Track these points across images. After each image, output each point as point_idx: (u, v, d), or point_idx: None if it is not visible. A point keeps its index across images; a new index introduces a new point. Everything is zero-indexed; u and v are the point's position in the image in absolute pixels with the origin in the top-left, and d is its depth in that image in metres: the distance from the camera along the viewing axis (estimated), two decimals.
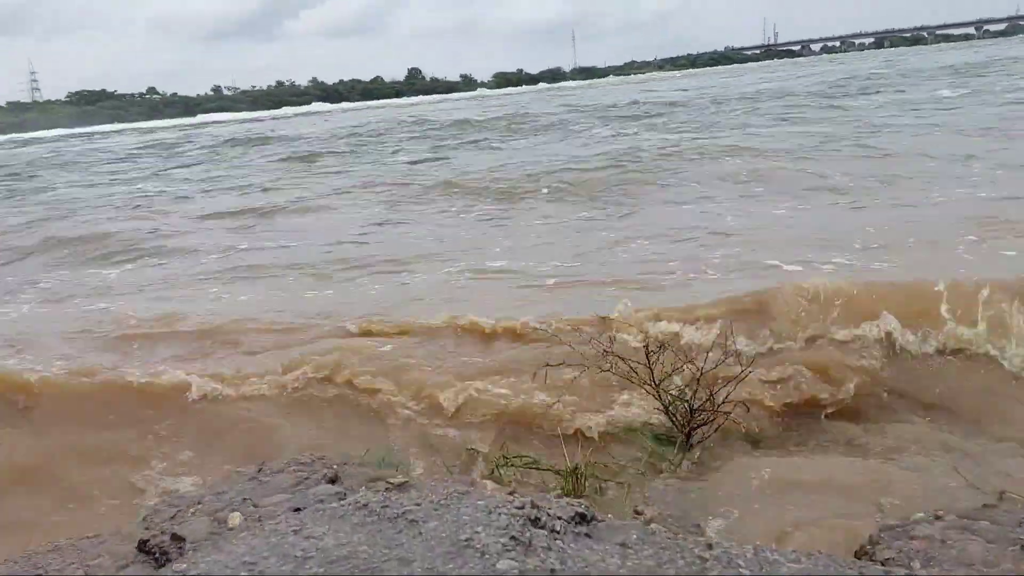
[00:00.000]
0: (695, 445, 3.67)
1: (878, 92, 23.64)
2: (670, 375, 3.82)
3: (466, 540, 2.20)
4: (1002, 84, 21.79)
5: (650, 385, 3.76)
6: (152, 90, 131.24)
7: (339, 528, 2.37)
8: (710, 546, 2.20)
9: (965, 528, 2.42)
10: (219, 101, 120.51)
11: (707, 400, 3.71)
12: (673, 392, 3.84)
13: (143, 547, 2.54)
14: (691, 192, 9.94)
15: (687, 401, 3.75)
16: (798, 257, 5.93)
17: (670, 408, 3.81)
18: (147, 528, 2.69)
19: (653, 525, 2.54)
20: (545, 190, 10.91)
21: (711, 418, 3.69)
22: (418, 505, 2.49)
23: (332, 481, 2.92)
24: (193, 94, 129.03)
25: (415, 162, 17.14)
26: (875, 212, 7.58)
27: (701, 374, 3.72)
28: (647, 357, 3.75)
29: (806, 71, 49.40)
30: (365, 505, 2.53)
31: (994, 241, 5.80)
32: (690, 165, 11.94)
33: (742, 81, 44.16)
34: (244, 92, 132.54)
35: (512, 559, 2.09)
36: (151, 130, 54.61)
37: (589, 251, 7.17)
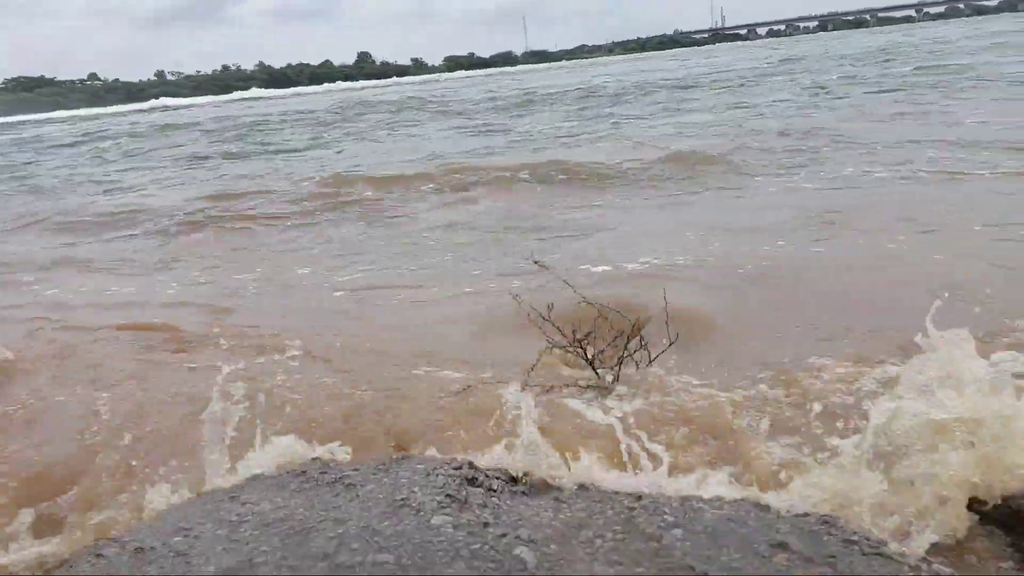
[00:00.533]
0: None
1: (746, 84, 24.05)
2: (602, 351, 3.88)
3: (402, 500, 2.24)
4: (875, 72, 22.50)
5: (586, 360, 3.82)
6: (94, 76, 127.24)
7: (276, 495, 2.39)
8: (639, 497, 2.27)
9: None
10: (163, 86, 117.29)
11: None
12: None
13: None
14: None
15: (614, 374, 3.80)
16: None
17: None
18: None
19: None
20: None
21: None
22: (356, 470, 2.51)
23: None
24: (136, 79, 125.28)
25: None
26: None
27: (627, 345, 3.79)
28: (579, 344, 3.80)
29: (729, 57, 50.11)
30: (303, 472, 2.55)
31: None
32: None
33: (671, 66, 44.71)
34: (188, 77, 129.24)
35: (447, 515, 2.14)
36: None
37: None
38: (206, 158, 17.16)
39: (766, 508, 2.22)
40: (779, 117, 13.97)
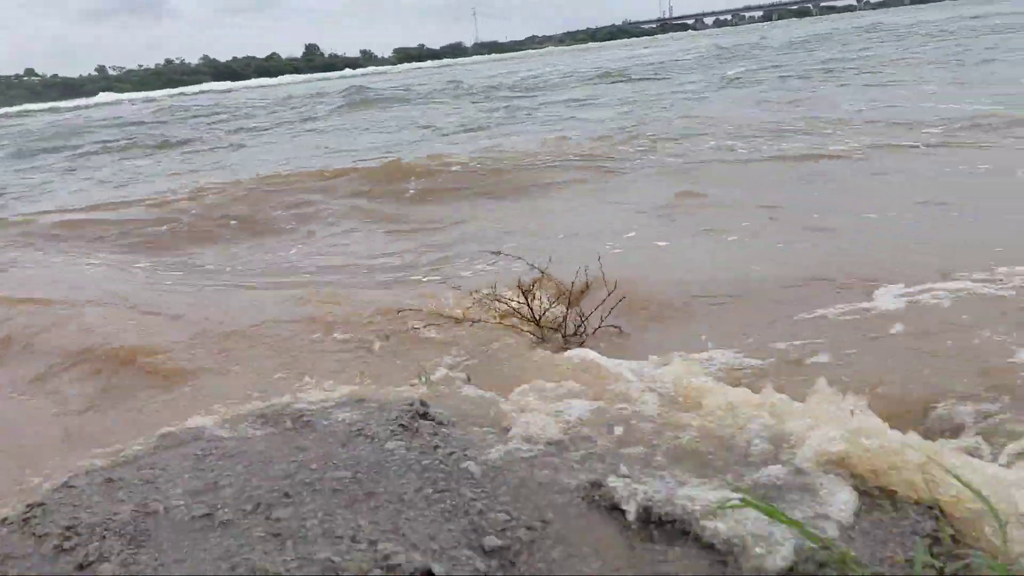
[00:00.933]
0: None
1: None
2: (549, 308, 4.10)
3: (357, 430, 2.40)
4: (794, 60, 23.24)
5: (532, 322, 4.03)
6: (31, 72, 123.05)
7: (239, 433, 2.53)
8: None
9: None
10: (104, 82, 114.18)
11: (579, 327, 3.99)
12: (550, 325, 4.10)
13: None
14: None
15: (561, 330, 4.02)
16: None
17: (547, 339, 4.07)
18: None
19: None
20: None
21: (582, 341, 3.96)
22: (312, 411, 2.66)
23: None
24: (76, 75, 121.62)
25: None
26: None
27: (570, 302, 4.01)
28: (524, 297, 4.02)
29: (675, 46, 50.83)
30: (263, 415, 2.69)
31: None
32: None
33: (616, 55, 45.23)
34: (131, 72, 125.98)
35: (399, 440, 2.31)
36: None
37: None
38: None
39: None
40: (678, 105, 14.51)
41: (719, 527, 1.62)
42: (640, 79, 23.15)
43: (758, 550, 1.49)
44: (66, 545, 1.80)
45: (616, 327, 3.85)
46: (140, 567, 1.67)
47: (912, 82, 13.96)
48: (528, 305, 3.91)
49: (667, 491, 1.86)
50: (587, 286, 4.17)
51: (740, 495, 1.46)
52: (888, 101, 11.58)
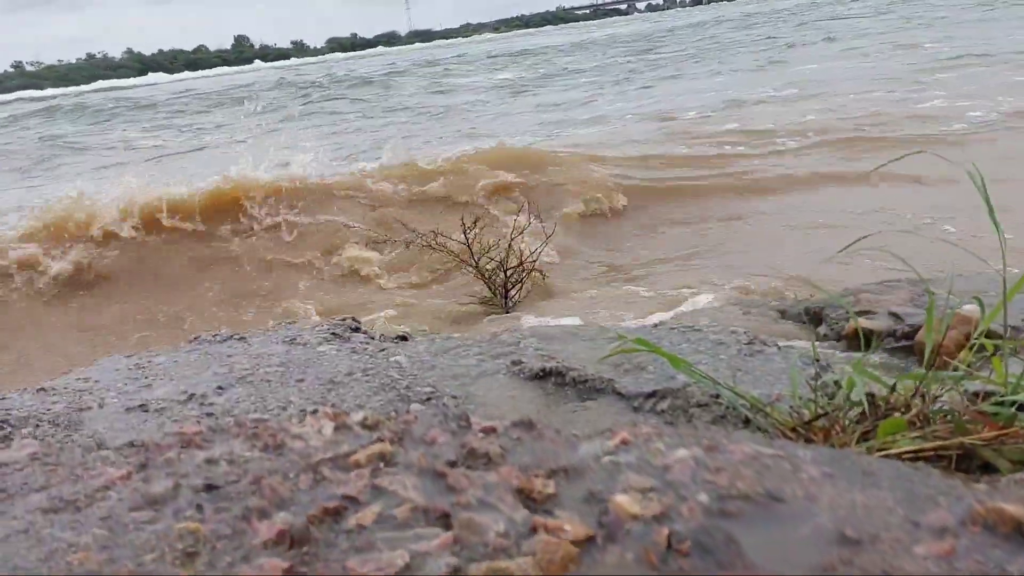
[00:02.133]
0: (513, 301, 4.09)
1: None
2: (488, 250, 4.24)
3: (291, 339, 2.48)
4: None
5: (472, 263, 4.16)
6: None
7: (171, 354, 2.57)
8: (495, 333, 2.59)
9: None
10: (21, 78, 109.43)
11: (518, 266, 4.14)
12: (491, 265, 4.24)
13: None
14: None
15: (503, 271, 4.16)
16: None
17: (489, 277, 4.21)
18: None
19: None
20: None
21: (521, 280, 4.12)
22: (248, 332, 2.72)
23: None
24: None
25: None
26: None
27: (510, 245, 4.15)
28: (465, 235, 4.14)
29: (599, 32, 51.14)
30: (196, 338, 2.73)
31: None
32: None
33: (537, 40, 45.51)
34: (50, 67, 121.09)
35: (332, 345, 2.39)
36: None
37: None
38: None
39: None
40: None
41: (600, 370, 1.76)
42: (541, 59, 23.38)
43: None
44: None
45: None
46: (71, 443, 1.73)
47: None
48: None
49: (578, 362, 2.00)
50: None
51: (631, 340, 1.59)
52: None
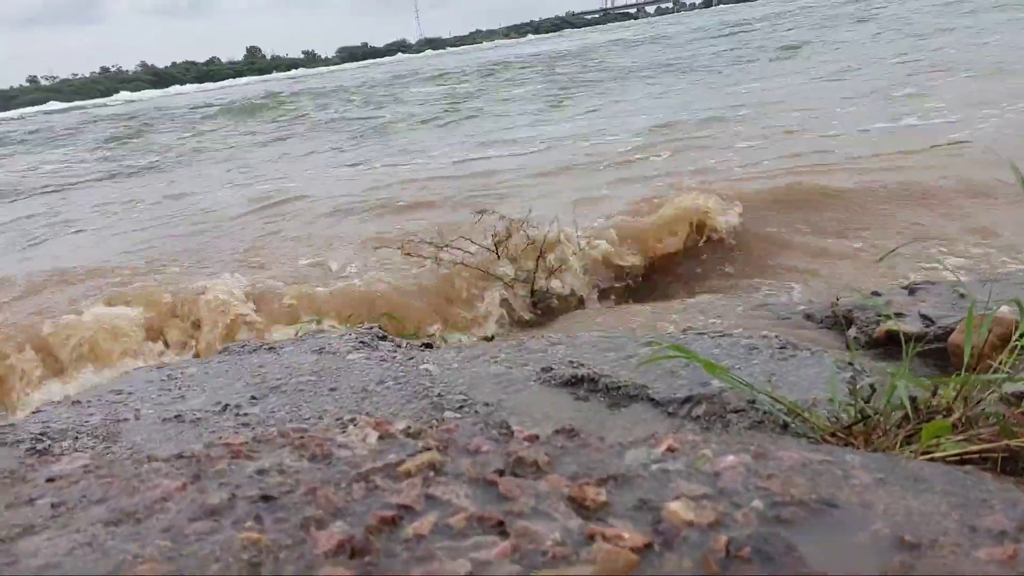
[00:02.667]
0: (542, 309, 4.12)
1: None
2: (517, 259, 4.26)
3: (321, 348, 2.50)
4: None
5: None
6: None
7: (202, 365, 2.60)
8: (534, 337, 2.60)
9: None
10: (36, 93, 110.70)
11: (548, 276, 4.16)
12: (521, 275, 4.25)
13: None
14: None
15: (531, 282, 4.18)
16: None
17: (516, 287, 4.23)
18: None
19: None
20: None
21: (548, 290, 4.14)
22: (276, 342, 2.75)
23: None
24: (7, 86, 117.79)
25: None
26: None
27: (541, 255, 4.17)
28: (495, 248, 4.17)
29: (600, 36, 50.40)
30: (225, 349, 2.76)
31: None
32: None
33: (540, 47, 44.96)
34: (65, 81, 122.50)
35: (360, 353, 2.41)
36: None
37: None
38: None
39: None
40: None
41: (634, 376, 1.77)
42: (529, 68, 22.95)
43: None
44: (39, 447, 1.86)
45: None
46: (115, 455, 1.75)
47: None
48: None
49: (609, 368, 2.01)
50: None
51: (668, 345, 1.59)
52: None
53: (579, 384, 1.93)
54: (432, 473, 1.01)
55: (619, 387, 1.85)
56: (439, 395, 1.95)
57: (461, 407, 1.88)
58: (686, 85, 14.15)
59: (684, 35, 29.25)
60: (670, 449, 1.04)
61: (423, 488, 0.95)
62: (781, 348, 1.93)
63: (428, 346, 2.74)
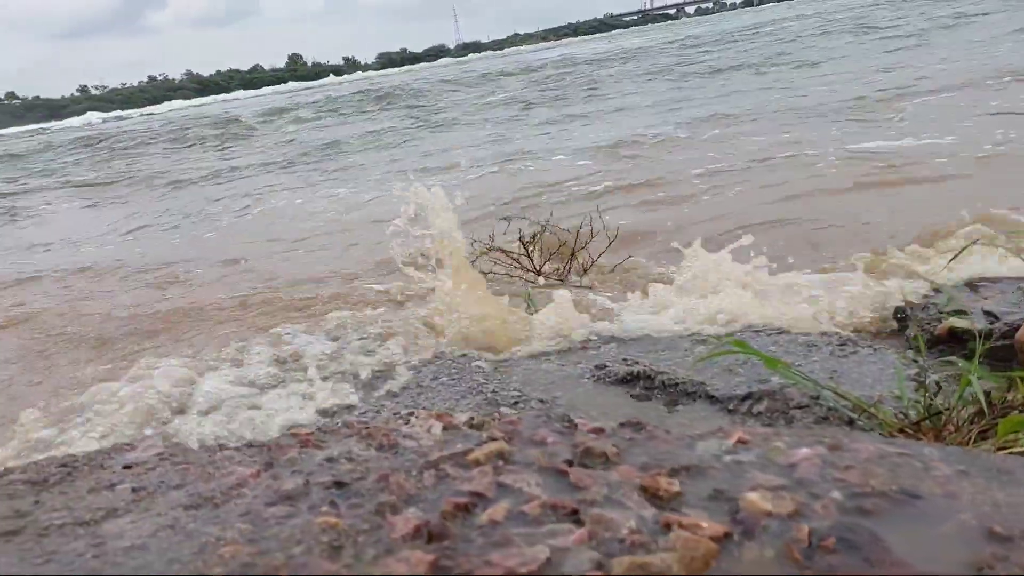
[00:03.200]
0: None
1: None
2: (548, 259, 4.25)
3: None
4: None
5: (532, 271, 4.17)
6: (11, 95, 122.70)
7: None
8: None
9: None
10: (88, 102, 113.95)
11: (581, 275, 4.13)
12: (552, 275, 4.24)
13: None
14: None
15: (561, 279, 4.15)
16: None
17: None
18: None
19: None
20: None
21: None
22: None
23: None
24: (58, 95, 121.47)
25: None
26: None
27: (573, 255, 4.15)
28: (524, 247, 4.16)
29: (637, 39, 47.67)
30: None
31: None
32: None
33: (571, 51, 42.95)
34: (114, 90, 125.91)
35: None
36: None
37: None
38: None
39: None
40: None
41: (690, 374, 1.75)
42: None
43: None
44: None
45: None
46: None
47: None
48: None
49: (665, 365, 1.99)
50: None
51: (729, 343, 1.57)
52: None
53: (635, 381, 1.92)
54: (501, 462, 1.01)
55: (676, 384, 1.83)
56: (493, 391, 1.96)
57: (516, 403, 1.88)
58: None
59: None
60: (741, 441, 1.02)
61: (494, 476, 0.96)
62: (841, 345, 1.90)
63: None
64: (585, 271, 4.02)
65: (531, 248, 4.19)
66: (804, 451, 0.96)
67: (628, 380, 1.94)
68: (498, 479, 0.95)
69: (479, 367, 2.19)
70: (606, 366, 2.05)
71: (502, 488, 0.93)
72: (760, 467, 0.94)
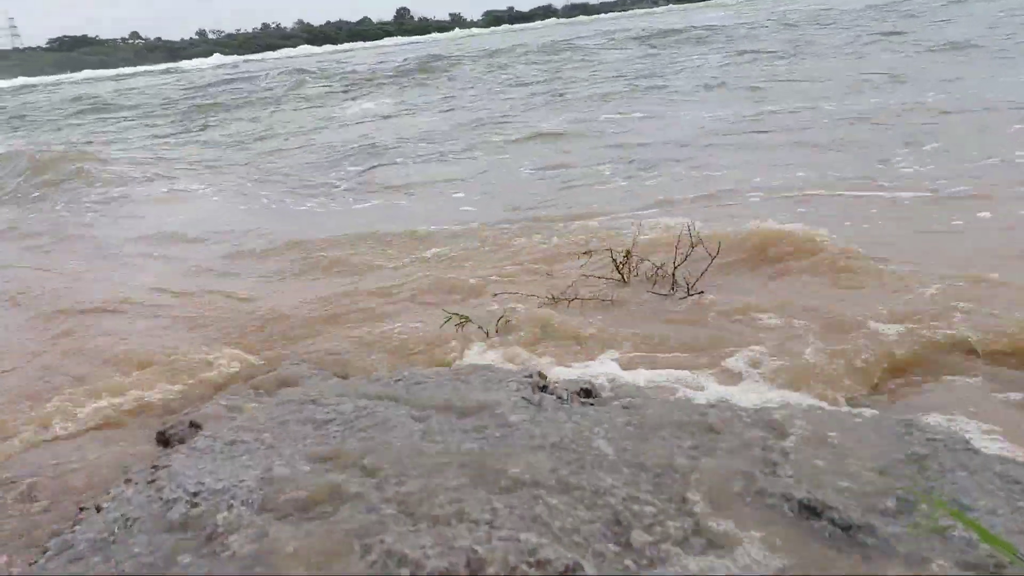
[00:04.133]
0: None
1: None
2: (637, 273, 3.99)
3: (481, 405, 2.27)
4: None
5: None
6: (135, 35, 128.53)
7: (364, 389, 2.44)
8: (711, 404, 2.27)
9: None
10: (205, 45, 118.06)
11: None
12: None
13: None
14: None
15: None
16: None
17: None
18: None
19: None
20: None
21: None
22: (429, 378, 2.55)
23: None
24: (177, 39, 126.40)
25: None
26: None
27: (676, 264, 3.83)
28: (617, 268, 3.92)
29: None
30: (378, 379, 2.60)
31: None
32: None
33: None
34: (229, 36, 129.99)
35: (523, 413, 2.16)
36: None
37: None
38: None
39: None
40: None
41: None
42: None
43: None
44: None
45: None
46: None
47: None
48: None
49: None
50: None
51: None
52: None
53: (818, 516, 1.58)
54: None
55: (874, 531, 1.50)
56: (624, 500, 1.66)
57: (651, 525, 1.58)
58: None
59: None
60: None
61: None
62: None
63: (588, 393, 2.46)
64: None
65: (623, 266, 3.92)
66: None
67: (807, 513, 1.61)
68: None
69: (599, 449, 1.90)
70: (777, 474, 1.72)
71: None
72: None
